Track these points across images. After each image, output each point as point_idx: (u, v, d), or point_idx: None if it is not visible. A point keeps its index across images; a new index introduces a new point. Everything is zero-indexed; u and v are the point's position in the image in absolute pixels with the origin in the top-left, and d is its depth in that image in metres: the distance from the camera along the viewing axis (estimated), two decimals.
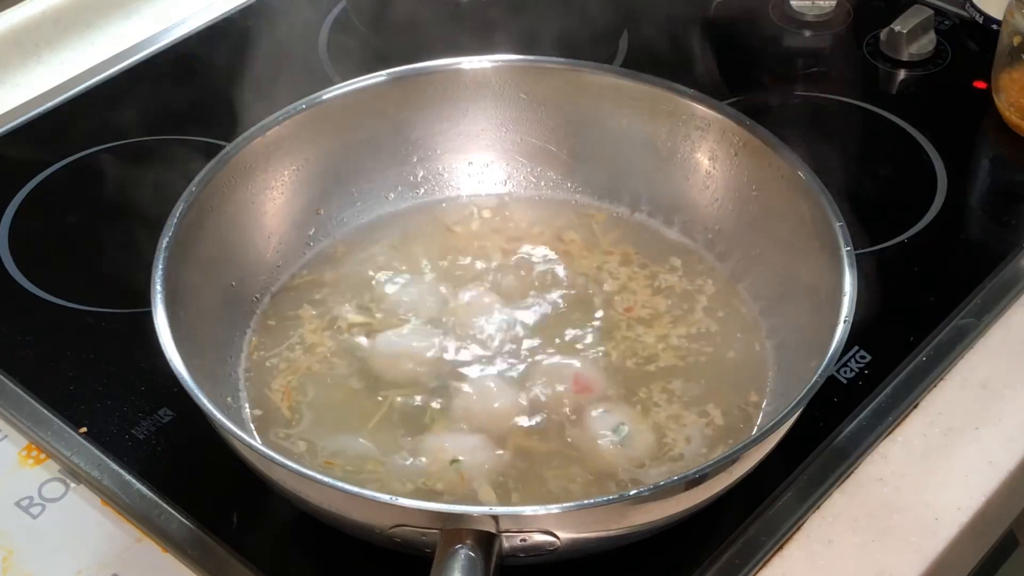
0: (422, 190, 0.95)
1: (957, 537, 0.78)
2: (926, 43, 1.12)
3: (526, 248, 0.91)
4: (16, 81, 1.13)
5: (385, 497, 0.67)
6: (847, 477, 0.81)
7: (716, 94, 0.91)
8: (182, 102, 1.07)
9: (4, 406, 0.84)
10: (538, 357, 0.83)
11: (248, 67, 1.08)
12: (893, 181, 1.01)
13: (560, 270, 0.89)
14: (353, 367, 0.83)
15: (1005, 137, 1.05)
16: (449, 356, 0.83)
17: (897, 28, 1.11)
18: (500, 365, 0.82)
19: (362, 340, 0.84)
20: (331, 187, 0.91)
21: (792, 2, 1.16)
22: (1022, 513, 0.88)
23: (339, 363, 0.83)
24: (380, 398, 0.81)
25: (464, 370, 0.82)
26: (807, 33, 1.16)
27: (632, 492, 0.68)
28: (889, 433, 0.83)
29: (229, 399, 0.80)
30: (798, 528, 0.78)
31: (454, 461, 0.77)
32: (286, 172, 0.89)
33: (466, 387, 0.81)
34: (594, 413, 0.80)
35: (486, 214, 0.93)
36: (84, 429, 0.83)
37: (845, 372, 0.86)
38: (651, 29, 1.12)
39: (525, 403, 0.80)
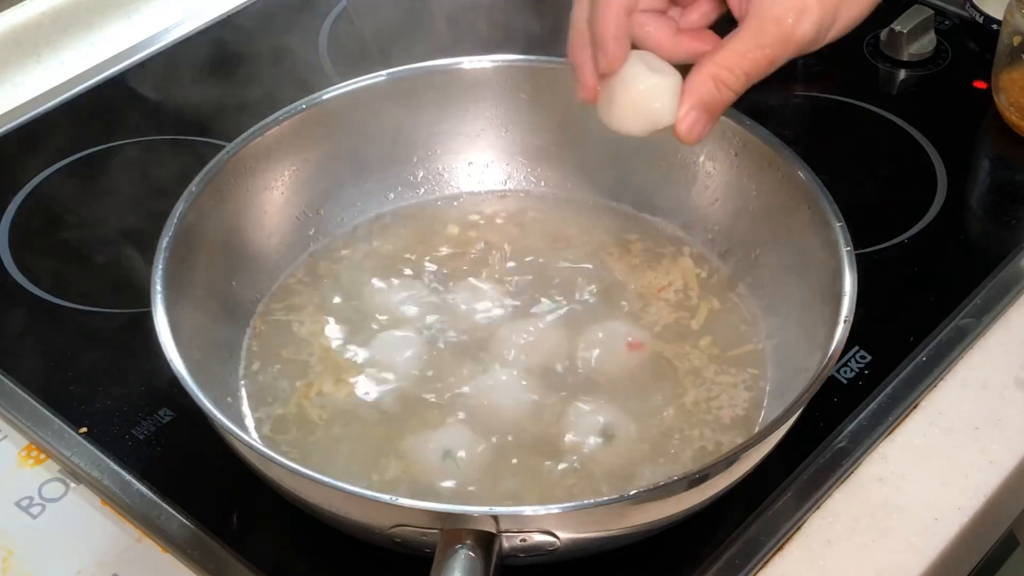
0: (422, 190, 0.94)
1: (957, 537, 0.78)
2: (926, 43, 1.12)
3: (526, 247, 0.91)
4: (16, 81, 1.13)
5: (385, 497, 0.67)
6: (847, 477, 0.81)
7: None
8: (182, 102, 1.07)
9: (4, 406, 0.84)
10: (541, 345, 0.83)
11: (248, 67, 1.08)
12: (893, 181, 1.01)
13: (560, 269, 0.89)
14: (354, 366, 0.83)
15: (1005, 137, 1.05)
16: (450, 355, 0.83)
17: (897, 28, 1.11)
18: (503, 362, 0.83)
19: (363, 340, 0.84)
20: (331, 187, 0.91)
21: None
22: (1022, 513, 0.88)
23: (339, 362, 0.83)
24: (381, 397, 0.81)
25: (466, 370, 0.82)
26: None
27: (632, 492, 0.68)
28: (889, 433, 0.83)
29: (229, 399, 0.80)
30: (798, 528, 0.78)
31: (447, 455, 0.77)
32: (286, 172, 0.89)
33: (469, 387, 0.81)
34: (587, 410, 0.80)
35: (486, 214, 0.93)
36: (84, 429, 0.83)
37: (845, 372, 0.86)
38: None
39: (531, 401, 0.81)
